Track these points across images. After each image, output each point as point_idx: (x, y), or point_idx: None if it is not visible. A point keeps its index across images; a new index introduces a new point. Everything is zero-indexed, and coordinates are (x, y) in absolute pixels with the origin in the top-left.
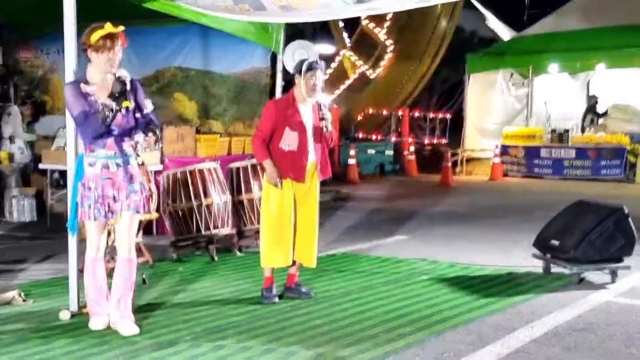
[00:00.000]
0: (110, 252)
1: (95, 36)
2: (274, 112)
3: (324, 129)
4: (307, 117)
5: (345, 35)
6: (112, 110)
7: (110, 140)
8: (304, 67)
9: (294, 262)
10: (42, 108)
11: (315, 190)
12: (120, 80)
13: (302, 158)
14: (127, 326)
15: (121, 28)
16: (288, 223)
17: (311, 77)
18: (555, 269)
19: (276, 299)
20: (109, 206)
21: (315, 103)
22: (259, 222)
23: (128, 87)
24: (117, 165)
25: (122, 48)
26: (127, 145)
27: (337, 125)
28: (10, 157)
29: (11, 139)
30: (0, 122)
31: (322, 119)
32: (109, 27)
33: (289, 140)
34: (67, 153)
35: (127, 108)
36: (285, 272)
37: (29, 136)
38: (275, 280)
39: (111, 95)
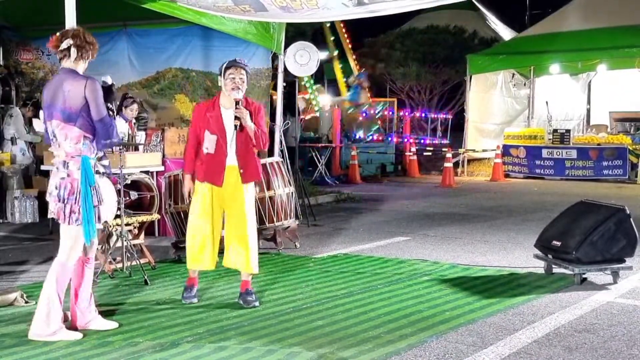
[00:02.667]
0: (113, 254)
1: (94, 39)
2: (196, 116)
3: (236, 128)
4: (229, 119)
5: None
6: (114, 113)
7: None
8: (225, 66)
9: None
10: None
11: (241, 194)
12: (116, 89)
13: (219, 162)
14: (107, 322)
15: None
16: (203, 227)
17: (229, 75)
18: (556, 269)
19: (195, 300)
20: (99, 209)
21: (242, 102)
22: (260, 223)
23: None
24: (101, 166)
25: None
26: None
27: (337, 126)
28: (12, 158)
29: (13, 141)
30: (2, 124)
31: (236, 117)
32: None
33: (208, 144)
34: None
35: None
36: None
37: (32, 137)
38: (198, 283)
39: (110, 101)
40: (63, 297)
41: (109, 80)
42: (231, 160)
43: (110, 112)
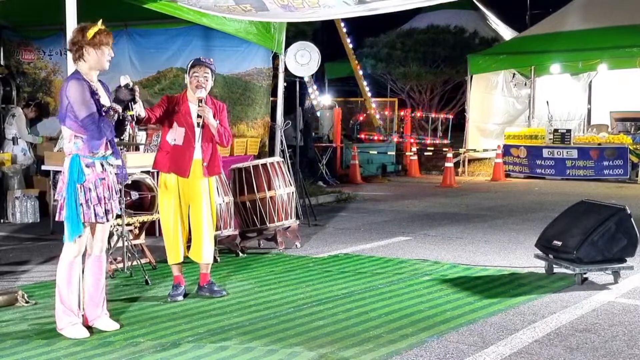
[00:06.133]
0: (114, 254)
1: (91, 32)
2: (166, 101)
3: (198, 125)
4: (196, 114)
5: (348, 40)
6: (118, 114)
7: (104, 141)
8: (190, 64)
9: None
10: (46, 110)
11: (202, 187)
12: (129, 89)
13: (186, 153)
14: (109, 323)
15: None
16: (174, 219)
17: (193, 74)
18: (557, 269)
19: (180, 298)
20: (106, 207)
21: (204, 100)
22: (261, 223)
23: (137, 95)
24: (110, 165)
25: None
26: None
27: (338, 126)
28: (13, 158)
29: (14, 141)
30: (4, 124)
31: (198, 115)
32: (102, 24)
33: (175, 135)
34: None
35: (131, 117)
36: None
37: (33, 138)
38: (185, 280)
39: (118, 100)
40: (68, 293)
41: (123, 81)
42: (197, 154)
43: (112, 111)
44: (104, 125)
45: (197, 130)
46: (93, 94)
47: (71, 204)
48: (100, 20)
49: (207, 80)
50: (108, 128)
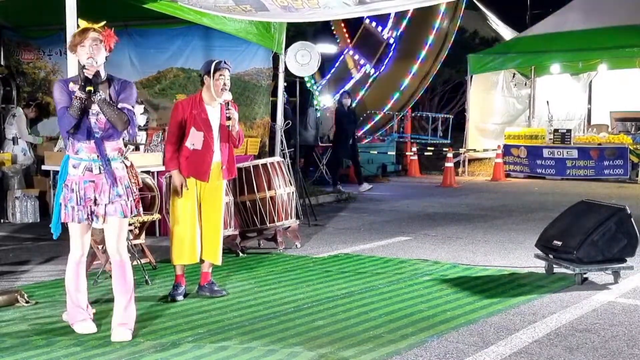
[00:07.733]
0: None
1: (71, 37)
2: (180, 113)
3: (229, 128)
4: (214, 117)
5: (346, 35)
6: (80, 99)
7: (92, 143)
8: (213, 67)
9: (203, 260)
10: (46, 110)
11: (220, 189)
12: (83, 69)
13: (206, 157)
14: (120, 332)
15: (101, 23)
16: (192, 221)
17: (220, 77)
18: (557, 269)
19: (180, 298)
20: (90, 209)
21: (223, 103)
22: (261, 223)
23: (91, 74)
24: (100, 168)
25: (100, 41)
26: (109, 148)
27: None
28: (13, 158)
29: (14, 141)
30: (4, 124)
31: (228, 118)
32: (82, 24)
33: (194, 140)
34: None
35: (89, 92)
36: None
37: (34, 138)
38: (185, 280)
39: (81, 88)
40: (75, 291)
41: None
42: (217, 157)
43: (76, 99)
44: (64, 117)
45: (216, 133)
46: (72, 92)
47: (56, 203)
48: (80, 20)
49: (229, 82)
50: (66, 119)
